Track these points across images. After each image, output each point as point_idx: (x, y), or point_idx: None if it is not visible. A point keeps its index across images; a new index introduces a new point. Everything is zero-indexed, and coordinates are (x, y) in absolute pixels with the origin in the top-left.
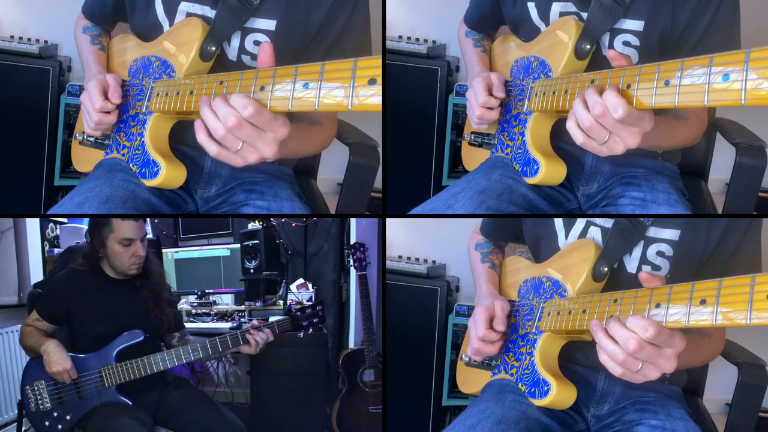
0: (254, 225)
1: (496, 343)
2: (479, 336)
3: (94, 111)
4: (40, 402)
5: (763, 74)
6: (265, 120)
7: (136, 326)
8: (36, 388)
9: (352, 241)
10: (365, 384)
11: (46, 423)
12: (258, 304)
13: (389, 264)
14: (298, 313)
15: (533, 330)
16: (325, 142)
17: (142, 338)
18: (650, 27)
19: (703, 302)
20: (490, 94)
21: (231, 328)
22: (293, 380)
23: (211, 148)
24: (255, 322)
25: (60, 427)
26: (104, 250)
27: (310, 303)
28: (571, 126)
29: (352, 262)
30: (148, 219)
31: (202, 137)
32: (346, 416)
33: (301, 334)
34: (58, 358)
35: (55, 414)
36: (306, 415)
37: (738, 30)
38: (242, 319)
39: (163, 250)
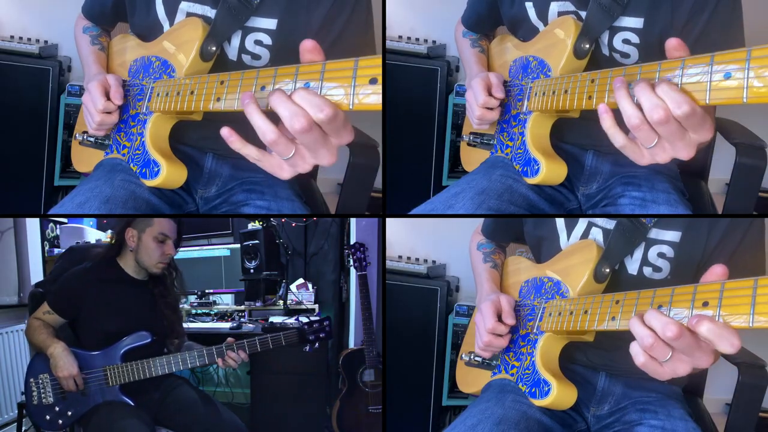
0: (254, 225)
1: (505, 337)
2: (489, 328)
3: (96, 112)
4: (42, 395)
5: (765, 72)
6: (337, 126)
7: (144, 328)
8: (40, 381)
9: (352, 241)
10: (365, 384)
11: (47, 417)
12: (258, 304)
13: (389, 264)
14: (306, 327)
15: (534, 330)
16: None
17: (149, 340)
18: (650, 24)
19: (705, 304)
20: (490, 94)
21: (231, 329)
22: (293, 380)
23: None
24: (230, 339)
25: (60, 422)
26: (138, 243)
27: (318, 318)
28: (609, 126)
29: (352, 262)
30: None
31: (240, 146)
32: (346, 416)
33: (308, 348)
34: (65, 363)
35: (57, 408)
36: (306, 415)
37: (740, 25)
38: (242, 319)
39: None
